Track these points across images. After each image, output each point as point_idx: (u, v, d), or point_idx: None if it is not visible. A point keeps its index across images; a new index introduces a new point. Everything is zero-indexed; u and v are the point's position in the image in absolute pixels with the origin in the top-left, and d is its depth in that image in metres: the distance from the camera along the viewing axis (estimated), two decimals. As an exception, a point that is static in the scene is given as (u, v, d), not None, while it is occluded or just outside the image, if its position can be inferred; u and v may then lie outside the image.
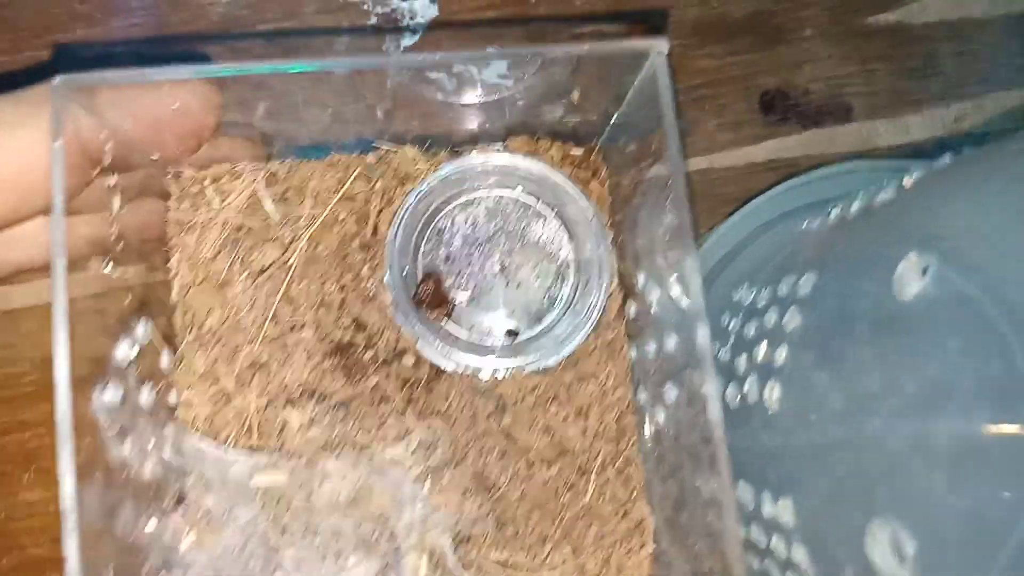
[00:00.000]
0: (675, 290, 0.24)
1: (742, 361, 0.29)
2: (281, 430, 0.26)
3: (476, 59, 0.24)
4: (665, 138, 0.22)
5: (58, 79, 0.21)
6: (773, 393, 0.26)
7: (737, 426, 0.28)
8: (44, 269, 0.36)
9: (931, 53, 0.44)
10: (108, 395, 0.22)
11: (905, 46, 0.44)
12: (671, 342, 0.24)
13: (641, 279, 0.27)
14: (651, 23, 0.42)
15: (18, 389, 0.37)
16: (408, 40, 0.42)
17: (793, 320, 0.26)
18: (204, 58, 0.37)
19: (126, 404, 0.23)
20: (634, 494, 0.28)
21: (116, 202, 0.24)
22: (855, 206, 0.28)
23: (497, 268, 0.30)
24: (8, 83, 0.23)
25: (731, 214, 0.40)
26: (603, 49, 0.23)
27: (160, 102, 0.26)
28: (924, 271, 0.20)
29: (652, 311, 0.26)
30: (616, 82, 0.25)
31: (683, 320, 0.23)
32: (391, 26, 0.42)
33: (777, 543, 0.26)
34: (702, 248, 0.38)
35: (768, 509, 0.26)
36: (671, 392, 0.25)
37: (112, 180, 0.24)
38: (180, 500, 0.24)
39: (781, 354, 0.26)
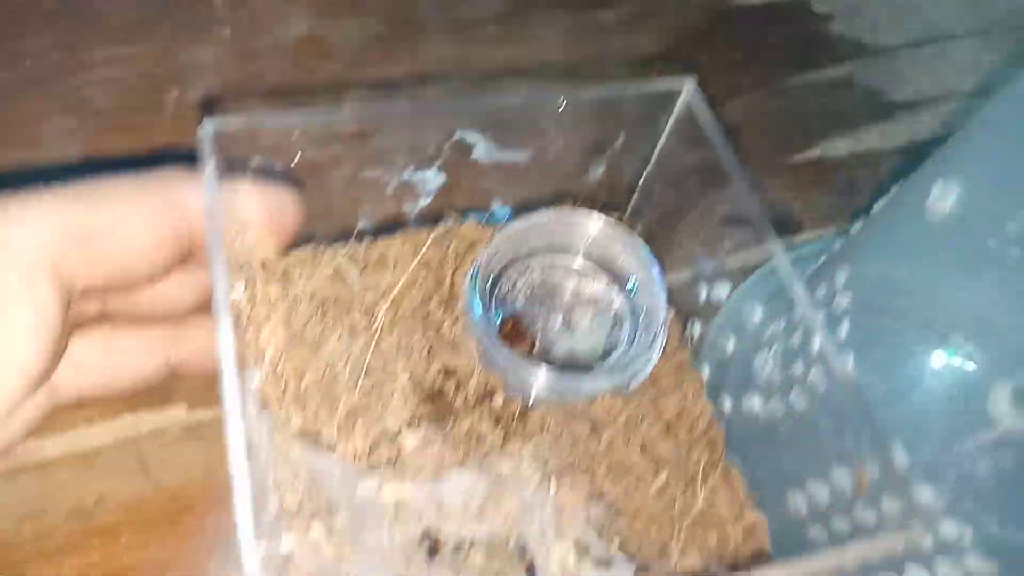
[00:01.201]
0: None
1: (799, 366, 0.31)
2: (396, 458, 0.26)
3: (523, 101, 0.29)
4: (716, 150, 0.27)
5: (208, 122, 0.24)
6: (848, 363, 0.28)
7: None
8: (102, 403, 0.36)
9: (851, 178, 0.53)
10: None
11: (829, 173, 0.53)
12: (755, 318, 0.27)
13: (703, 292, 0.30)
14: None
15: (50, 542, 0.34)
16: (424, 201, 0.48)
17: (843, 300, 0.29)
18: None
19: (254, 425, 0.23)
20: (742, 498, 0.28)
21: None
22: (855, 226, 0.33)
23: (559, 324, 0.32)
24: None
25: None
26: (636, 91, 0.29)
27: (265, 195, 0.29)
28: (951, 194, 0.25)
29: (723, 307, 0.29)
30: (644, 135, 0.31)
31: (770, 286, 0.26)
32: (407, 194, 0.47)
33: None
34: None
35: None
36: (766, 367, 0.27)
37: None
38: (314, 514, 0.23)
39: (843, 330, 0.29)
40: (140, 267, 0.27)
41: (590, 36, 0.57)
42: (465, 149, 0.35)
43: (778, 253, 0.26)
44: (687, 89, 0.29)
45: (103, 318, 0.31)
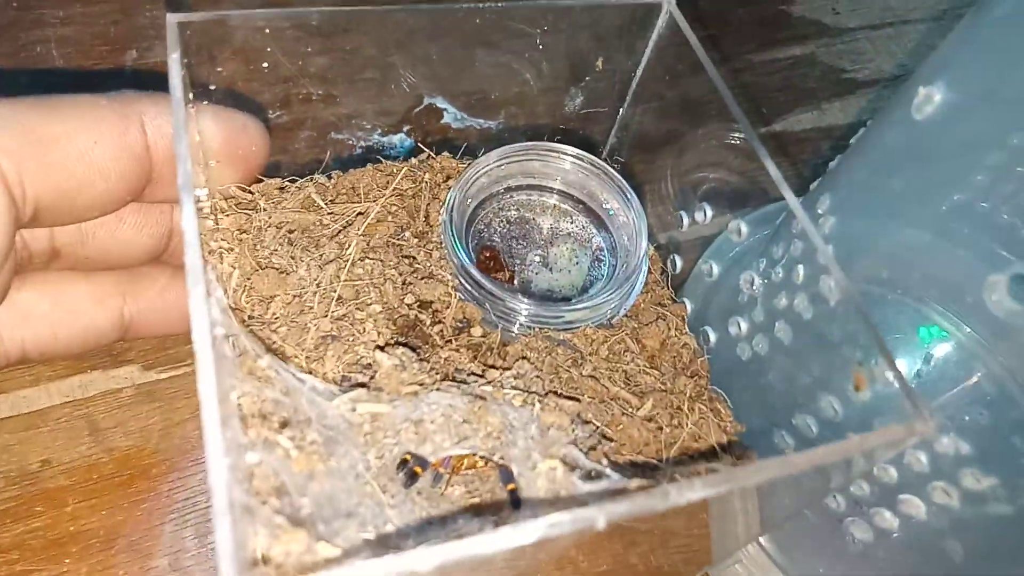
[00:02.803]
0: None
1: (782, 299, 0.30)
2: (370, 380, 0.24)
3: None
4: (701, 64, 0.27)
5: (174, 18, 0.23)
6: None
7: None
8: (49, 364, 0.34)
9: (816, 150, 0.53)
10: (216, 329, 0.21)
11: (794, 145, 0.53)
12: (741, 231, 0.26)
13: (685, 220, 0.29)
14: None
15: (-9, 508, 0.31)
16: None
17: (827, 223, 0.29)
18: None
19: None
20: (730, 428, 0.27)
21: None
22: (832, 163, 0.33)
23: (538, 259, 0.31)
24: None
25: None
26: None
27: (235, 120, 0.27)
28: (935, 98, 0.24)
29: (704, 229, 0.28)
30: (624, 62, 0.30)
31: (761, 192, 0.25)
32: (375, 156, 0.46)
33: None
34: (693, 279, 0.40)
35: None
36: (760, 275, 0.26)
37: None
38: (284, 424, 0.21)
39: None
40: (95, 182, 0.25)
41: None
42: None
43: (770, 168, 0.25)
44: (667, 3, 0.29)
45: (53, 259, 0.29)
